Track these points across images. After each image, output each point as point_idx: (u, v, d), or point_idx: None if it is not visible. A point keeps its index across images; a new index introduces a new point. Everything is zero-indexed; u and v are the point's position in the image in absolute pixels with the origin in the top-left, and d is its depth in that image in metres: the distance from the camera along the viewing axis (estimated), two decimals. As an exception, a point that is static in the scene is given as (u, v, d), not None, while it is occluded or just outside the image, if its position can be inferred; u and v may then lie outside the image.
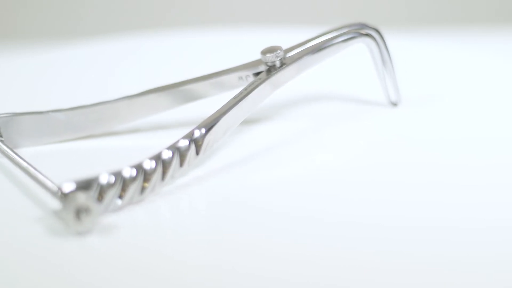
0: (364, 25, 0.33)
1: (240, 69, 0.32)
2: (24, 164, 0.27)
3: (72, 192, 0.24)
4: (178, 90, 0.32)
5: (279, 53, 0.31)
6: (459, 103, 0.37)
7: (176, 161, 0.26)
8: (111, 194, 0.25)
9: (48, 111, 0.31)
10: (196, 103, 0.33)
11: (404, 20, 0.71)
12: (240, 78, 0.32)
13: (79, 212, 0.23)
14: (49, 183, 0.25)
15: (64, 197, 0.24)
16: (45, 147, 0.31)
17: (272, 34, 0.41)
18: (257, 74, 0.31)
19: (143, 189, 0.26)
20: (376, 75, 0.35)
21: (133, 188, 0.25)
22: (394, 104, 0.35)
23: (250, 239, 0.24)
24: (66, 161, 0.30)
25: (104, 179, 0.25)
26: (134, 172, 0.25)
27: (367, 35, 0.33)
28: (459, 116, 0.35)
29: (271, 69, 0.31)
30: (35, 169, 0.26)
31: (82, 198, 0.23)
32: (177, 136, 0.27)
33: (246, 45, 0.34)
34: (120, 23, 0.72)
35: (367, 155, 0.31)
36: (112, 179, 0.25)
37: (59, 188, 0.24)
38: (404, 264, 0.23)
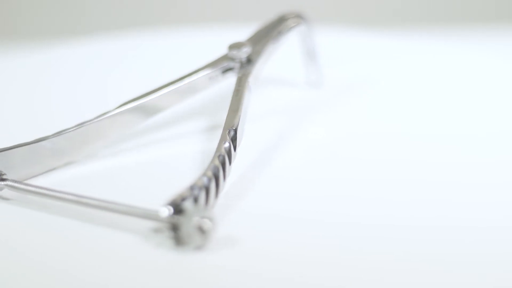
0: (290, 14, 0.36)
1: (207, 69, 0.32)
2: (73, 198, 0.25)
3: (189, 210, 0.23)
4: (153, 99, 0.31)
5: (247, 48, 0.32)
6: (458, 102, 0.37)
7: (227, 161, 0.26)
8: (203, 203, 0.24)
9: (35, 141, 0.28)
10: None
11: (404, 20, 0.71)
12: (211, 78, 0.32)
13: (202, 226, 0.23)
14: (128, 208, 0.24)
15: (183, 216, 0.23)
16: (38, 179, 0.29)
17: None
18: (225, 71, 0.32)
19: (217, 193, 0.25)
20: (304, 60, 0.38)
21: (213, 194, 0.25)
22: (316, 86, 0.38)
23: (251, 240, 0.24)
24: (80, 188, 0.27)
25: (197, 191, 0.24)
26: (209, 179, 0.25)
27: (301, 22, 0.36)
28: (459, 115, 0.35)
29: (242, 65, 0.32)
30: (94, 199, 0.25)
31: (199, 212, 0.23)
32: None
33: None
34: (119, 22, 0.72)
35: (363, 152, 0.31)
36: (197, 190, 0.24)
37: (161, 210, 0.24)
38: (404, 264, 0.23)
